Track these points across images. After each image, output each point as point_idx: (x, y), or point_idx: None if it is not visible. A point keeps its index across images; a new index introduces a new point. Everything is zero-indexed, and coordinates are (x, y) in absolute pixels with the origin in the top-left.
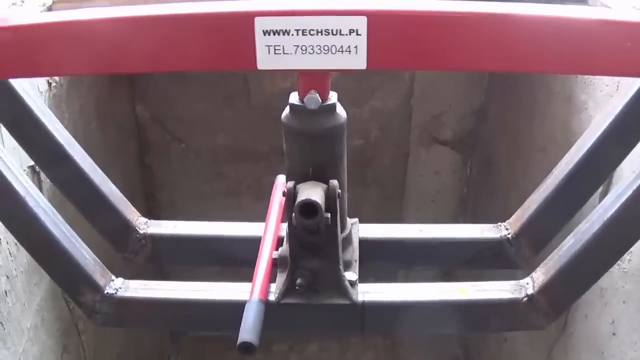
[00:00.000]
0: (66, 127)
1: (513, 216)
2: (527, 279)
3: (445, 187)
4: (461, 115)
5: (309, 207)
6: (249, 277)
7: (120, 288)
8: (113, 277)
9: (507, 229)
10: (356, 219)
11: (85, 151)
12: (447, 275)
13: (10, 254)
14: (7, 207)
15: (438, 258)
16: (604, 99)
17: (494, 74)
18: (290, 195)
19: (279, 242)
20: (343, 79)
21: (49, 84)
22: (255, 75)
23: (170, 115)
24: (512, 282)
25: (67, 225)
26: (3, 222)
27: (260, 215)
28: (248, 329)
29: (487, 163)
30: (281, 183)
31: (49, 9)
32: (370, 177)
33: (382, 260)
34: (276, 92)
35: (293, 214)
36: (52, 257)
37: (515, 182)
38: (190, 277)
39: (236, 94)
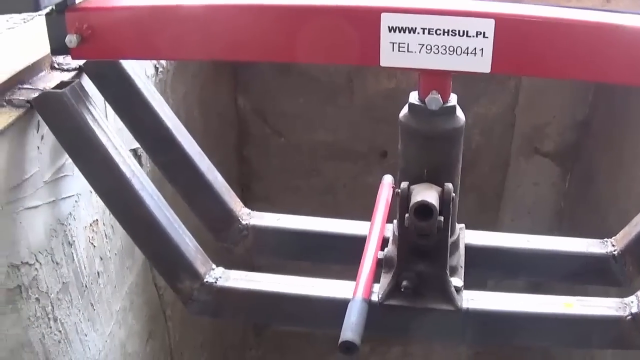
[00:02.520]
0: None
1: (620, 233)
2: (632, 297)
3: (542, 199)
4: (564, 127)
5: (425, 209)
6: (340, 277)
7: (220, 277)
8: (214, 265)
9: (613, 245)
10: (463, 225)
11: None
12: (537, 288)
13: (105, 235)
14: (112, 187)
15: (542, 270)
16: None
17: (601, 87)
18: (404, 196)
19: (384, 242)
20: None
21: (156, 68)
22: (360, 73)
23: (271, 109)
24: (617, 300)
25: (171, 211)
26: (106, 203)
27: (354, 214)
28: (351, 328)
29: (587, 177)
30: (387, 183)
31: None
32: (469, 183)
33: (486, 267)
34: (380, 92)
35: (406, 215)
36: (153, 242)
37: (615, 198)
38: (279, 272)
39: (339, 92)
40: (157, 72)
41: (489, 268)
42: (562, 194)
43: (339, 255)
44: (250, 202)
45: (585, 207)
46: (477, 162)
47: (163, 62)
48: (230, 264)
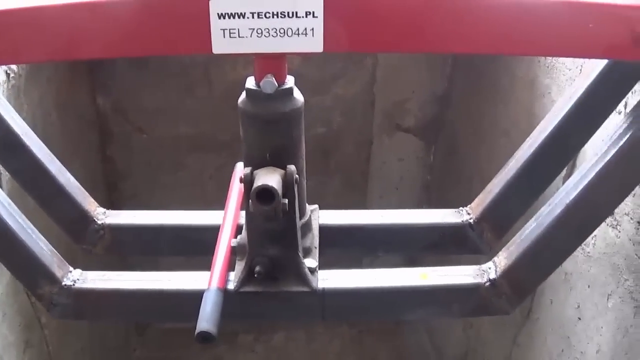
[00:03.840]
0: (25, 119)
1: (475, 200)
2: (490, 264)
3: (409, 174)
4: (424, 102)
5: (266, 193)
6: (210, 267)
7: (78, 279)
8: (71, 268)
9: (468, 214)
10: (316, 206)
11: (45, 143)
12: (412, 262)
13: None
14: None
15: (400, 244)
16: (567, 83)
17: (457, 60)
18: (247, 182)
19: (238, 229)
20: (305, 67)
21: (7, 74)
22: (216, 63)
23: (132, 106)
24: (474, 267)
25: (24, 217)
26: None
27: (223, 204)
28: (206, 318)
29: (451, 150)
30: (240, 170)
31: None
32: (333, 165)
33: (344, 246)
34: (238, 81)
35: (250, 201)
36: (7, 249)
37: (479, 168)
38: (154, 268)
39: (197, 83)
40: (8, 78)
41: (347, 246)
42: (428, 168)
43: (197, 247)
44: (118, 201)
45: (451, 178)
46: (340, 143)
47: (14, 67)
48: (104, 267)
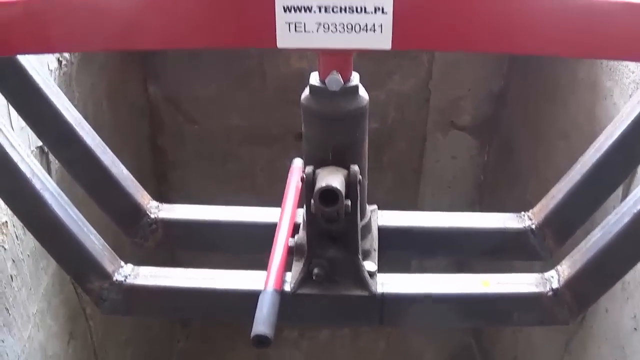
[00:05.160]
0: (76, 107)
1: (537, 206)
2: (552, 272)
3: (462, 173)
4: (480, 100)
5: (329, 194)
6: (263, 265)
7: (129, 275)
8: (122, 263)
9: (530, 219)
10: (375, 206)
11: (96, 131)
12: (461, 266)
13: (17, 237)
14: (13, 189)
15: (459, 247)
16: (630, 87)
17: (514, 58)
18: (309, 181)
19: (295, 229)
20: (361, 61)
21: (59, 62)
22: (270, 55)
23: (184, 96)
24: (537, 275)
25: (75, 209)
26: (9, 205)
27: (274, 198)
28: (262, 321)
29: (506, 149)
30: (297, 167)
31: None
32: (386, 161)
33: (402, 249)
34: (292, 73)
35: (312, 201)
36: (58, 242)
37: (535, 169)
38: (203, 263)
39: (251, 75)
40: (60, 66)
41: (406, 248)
42: (482, 167)
43: (252, 244)
44: (167, 192)
45: (505, 178)
46: (393, 139)
47: (66, 54)
48: (150, 261)
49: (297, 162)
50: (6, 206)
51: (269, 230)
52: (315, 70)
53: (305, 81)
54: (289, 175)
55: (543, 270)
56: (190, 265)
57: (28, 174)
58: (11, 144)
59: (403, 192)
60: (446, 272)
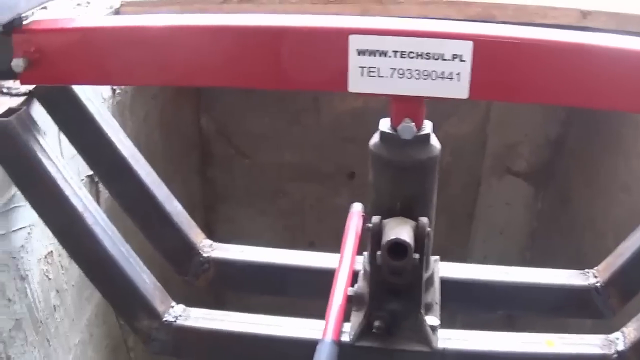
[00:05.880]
0: (129, 136)
1: (602, 263)
2: (618, 334)
3: (515, 220)
4: (537, 146)
5: (399, 248)
6: (309, 311)
7: (180, 316)
8: (173, 303)
9: (595, 277)
10: (437, 257)
11: (147, 161)
12: (512, 320)
13: (61, 266)
14: (63, 222)
15: (522, 303)
16: None
17: None
18: (376, 231)
19: (354, 276)
20: None
21: (113, 90)
22: (326, 92)
23: (236, 129)
24: (602, 336)
25: (127, 245)
26: (58, 238)
27: (321, 236)
28: None
29: (562, 198)
30: (357, 212)
31: (117, 12)
32: (440, 204)
33: (463, 302)
34: (347, 111)
35: (378, 253)
36: (108, 279)
37: (591, 221)
38: (246, 306)
39: (305, 111)
40: (114, 94)
41: (466, 302)
42: (535, 215)
43: (306, 290)
44: (214, 224)
45: (559, 228)
46: (447, 182)
47: None
48: (192, 298)
49: (357, 207)
50: (51, 236)
51: (323, 276)
52: (377, 109)
53: (360, 121)
54: (348, 220)
55: (597, 327)
56: (235, 306)
57: (80, 208)
58: (64, 177)
59: (454, 236)
60: (495, 325)
